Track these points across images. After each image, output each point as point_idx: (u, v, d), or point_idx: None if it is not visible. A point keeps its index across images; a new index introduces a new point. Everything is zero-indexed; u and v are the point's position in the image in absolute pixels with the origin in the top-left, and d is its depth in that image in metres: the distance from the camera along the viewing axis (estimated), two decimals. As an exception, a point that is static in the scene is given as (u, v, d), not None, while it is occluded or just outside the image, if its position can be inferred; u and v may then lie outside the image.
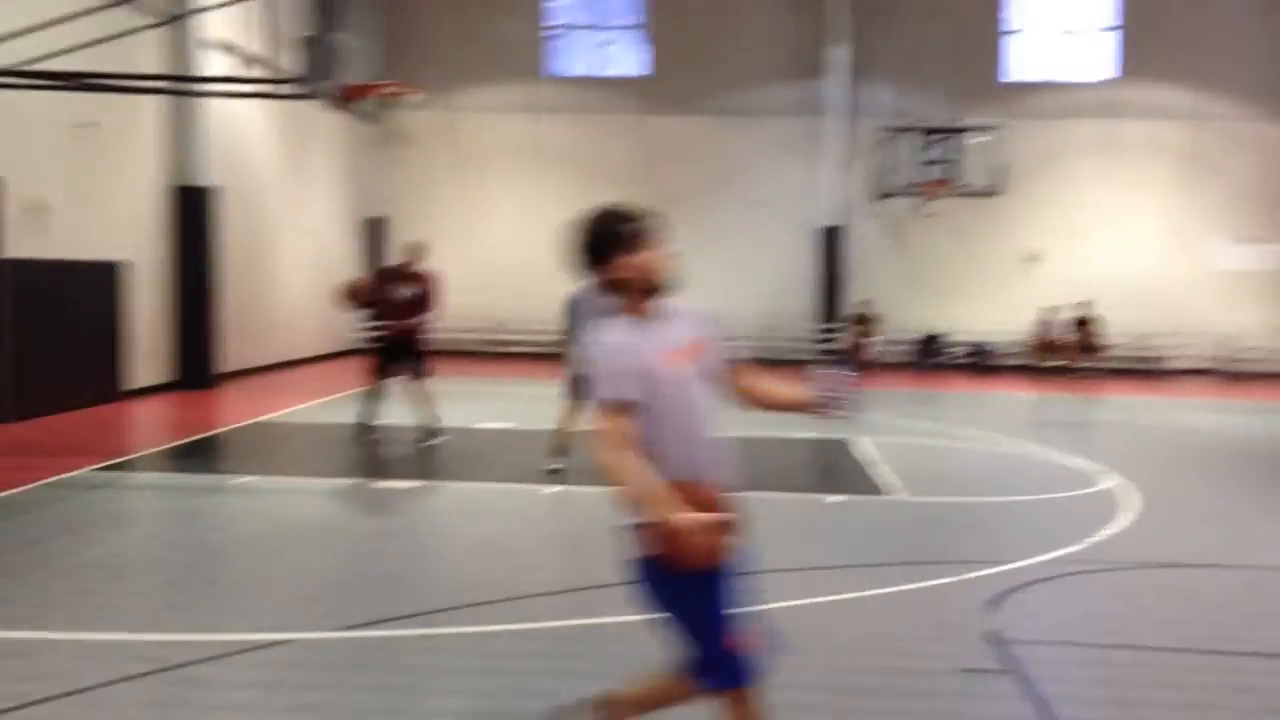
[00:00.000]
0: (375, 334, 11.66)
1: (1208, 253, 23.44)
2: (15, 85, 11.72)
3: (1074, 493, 9.93)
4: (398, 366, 11.50)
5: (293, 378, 18.84)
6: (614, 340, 3.43)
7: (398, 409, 11.86)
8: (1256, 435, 15.47)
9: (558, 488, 9.51)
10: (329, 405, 15.04)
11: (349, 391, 16.97)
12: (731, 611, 3.48)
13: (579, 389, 9.93)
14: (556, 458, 10.14)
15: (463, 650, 5.40)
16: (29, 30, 11.44)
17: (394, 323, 11.43)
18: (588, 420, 9.97)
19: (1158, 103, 23.19)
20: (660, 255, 3.47)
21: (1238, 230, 23.41)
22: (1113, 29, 23.49)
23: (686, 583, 3.42)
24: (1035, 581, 6.95)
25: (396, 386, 11.64)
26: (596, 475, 3.55)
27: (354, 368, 20.57)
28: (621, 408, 3.37)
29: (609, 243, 3.44)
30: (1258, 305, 23.36)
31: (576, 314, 9.92)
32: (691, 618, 3.46)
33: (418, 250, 12.04)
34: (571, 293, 10.06)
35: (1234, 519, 9.36)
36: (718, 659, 3.44)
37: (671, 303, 3.56)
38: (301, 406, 14.84)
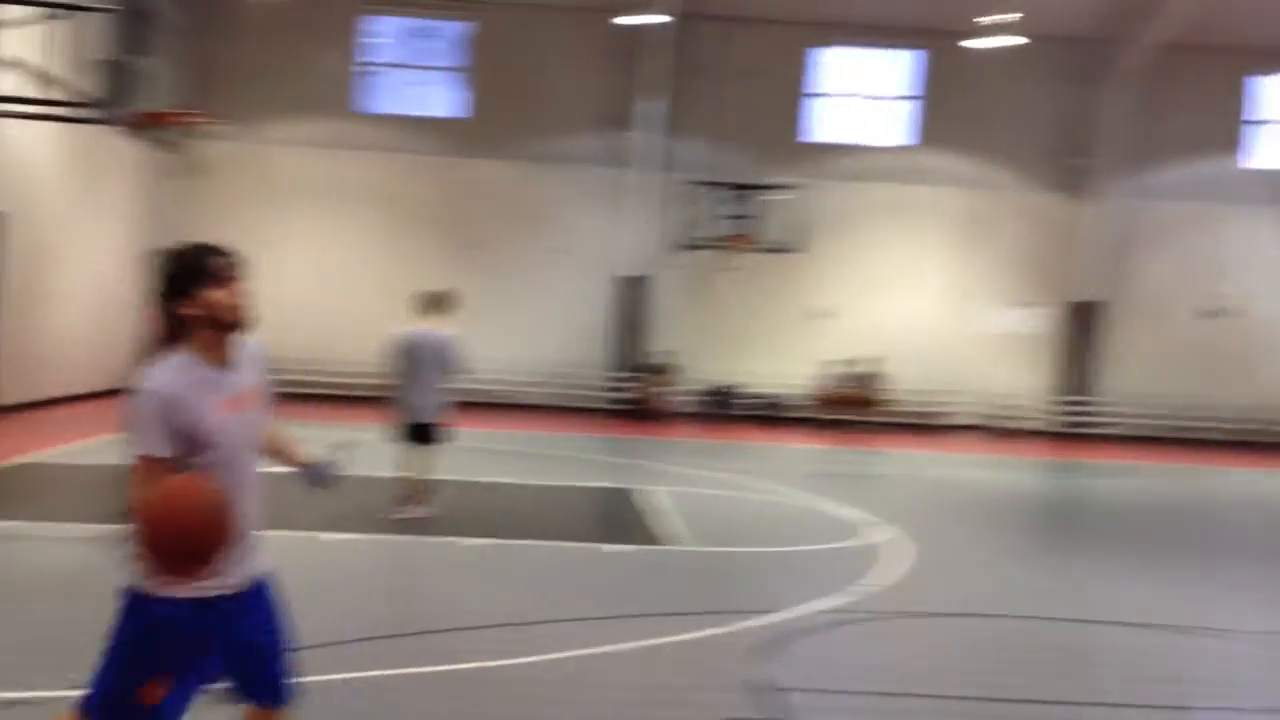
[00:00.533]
0: None
1: (983, 315, 24.78)
2: None
3: (847, 543, 10.28)
4: None
5: (66, 414, 17.87)
6: (158, 389, 3.23)
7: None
8: (1022, 489, 16.40)
9: (326, 533, 9.28)
10: (98, 445, 14.31)
11: (118, 432, 16.21)
12: (165, 660, 3.31)
13: (412, 433, 9.80)
14: (405, 506, 9.90)
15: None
16: None
17: None
18: (430, 464, 9.86)
19: (946, 169, 24.47)
20: (235, 294, 3.34)
21: (1011, 294, 24.85)
22: (911, 98, 24.72)
23: (139, 616, 3.31)
24: (803, 630, 7.16)
25: None
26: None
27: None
28: (153, 464, 3.20)
29: (185, 277, 3.30)
30: (1026, 366, 24.79)
31: (410, 355, 9.74)
32: (114, 651, 3.34)
33: None
34: (405, 333, 9.91)
35: (996, 569, 9.87)
36: (111, 704, 3.30)
37: (242, 343, 3.46)
38: (70, 445, 14.08)
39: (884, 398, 23.44)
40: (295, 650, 3.65)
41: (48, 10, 13.46)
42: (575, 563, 8.94)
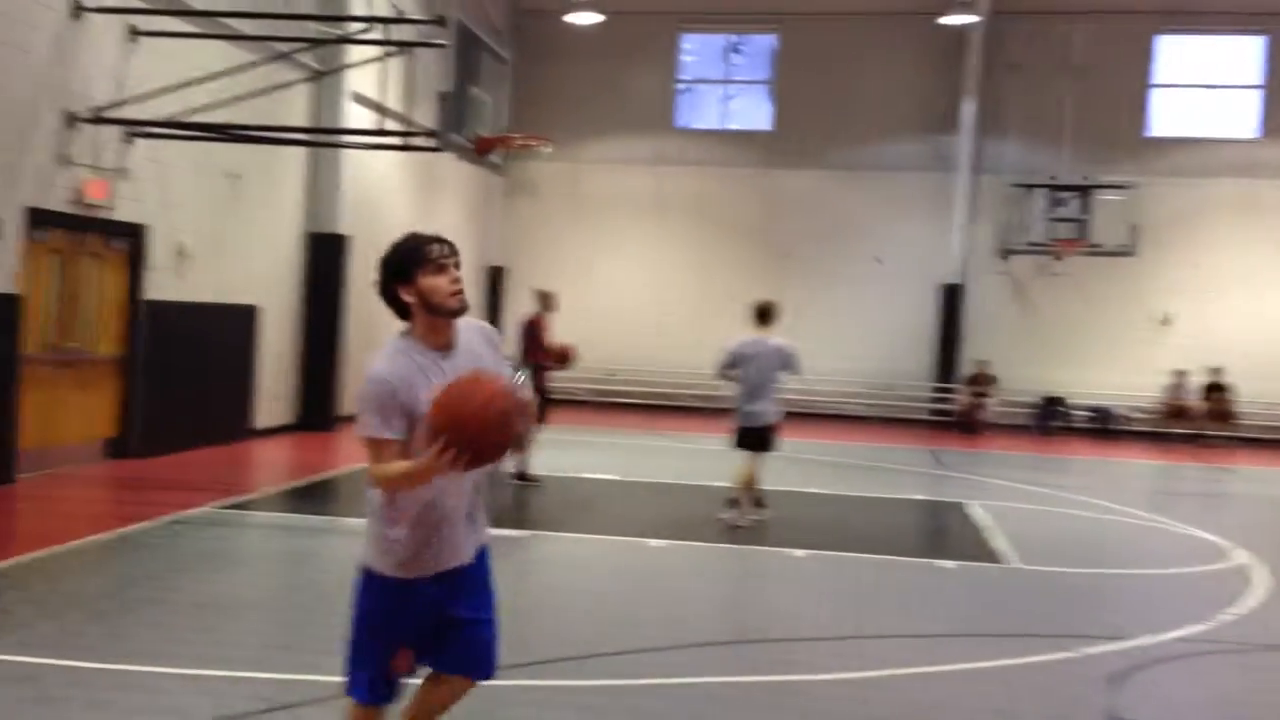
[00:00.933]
0: None
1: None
2: (167, 136, 12.28)
3: (1201, 568, 9.54)
4: None
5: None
6: (381, 373, 3.36)
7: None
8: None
9: (664, 541, 9.47)
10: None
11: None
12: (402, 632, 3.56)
13: (747, 440, 10.06)
14: (739, 510, 10.17)
15: (562, 703, 5.40)
16: (183, 85, 11.98)
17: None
18: (763, 472, 10.18)
19: (1295, 163, 22.40)
20: (451, 280, 3.45)
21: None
22: (1255, 87, 22.79)
23: (375, 592, 3.55)
24: (1159, 660, 6.68)
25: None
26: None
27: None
28: (383, 445, 3.34)
29: (404, 264, 3.45)
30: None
31: (747, 362, 10.03)
32: (364, 629, 3.60)
33: (544, 299, 12.34)
34: (740, 341, 10.19)
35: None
36: (372, 680, 3.60)
37: (463, 326, 3.54)
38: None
39: (1236, 410, 21.65)
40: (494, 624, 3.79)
41: (386, 47, 14.50)
42: (907, 577, 8.73)
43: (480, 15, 19.54)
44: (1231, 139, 22.80)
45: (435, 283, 3.44)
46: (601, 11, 22.22)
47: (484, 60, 13.87)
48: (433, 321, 3.47)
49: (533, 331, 12.07)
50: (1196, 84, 23.05)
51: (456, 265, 3.52)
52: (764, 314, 10.23)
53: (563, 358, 12.00)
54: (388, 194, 18.85)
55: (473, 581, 3.66)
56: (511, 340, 12.04)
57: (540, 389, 11.92)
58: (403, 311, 3.53)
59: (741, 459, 10.25)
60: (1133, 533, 11.35)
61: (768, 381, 10.01)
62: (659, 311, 23.81)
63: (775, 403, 10.13)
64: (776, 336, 10.21)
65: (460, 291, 3.48)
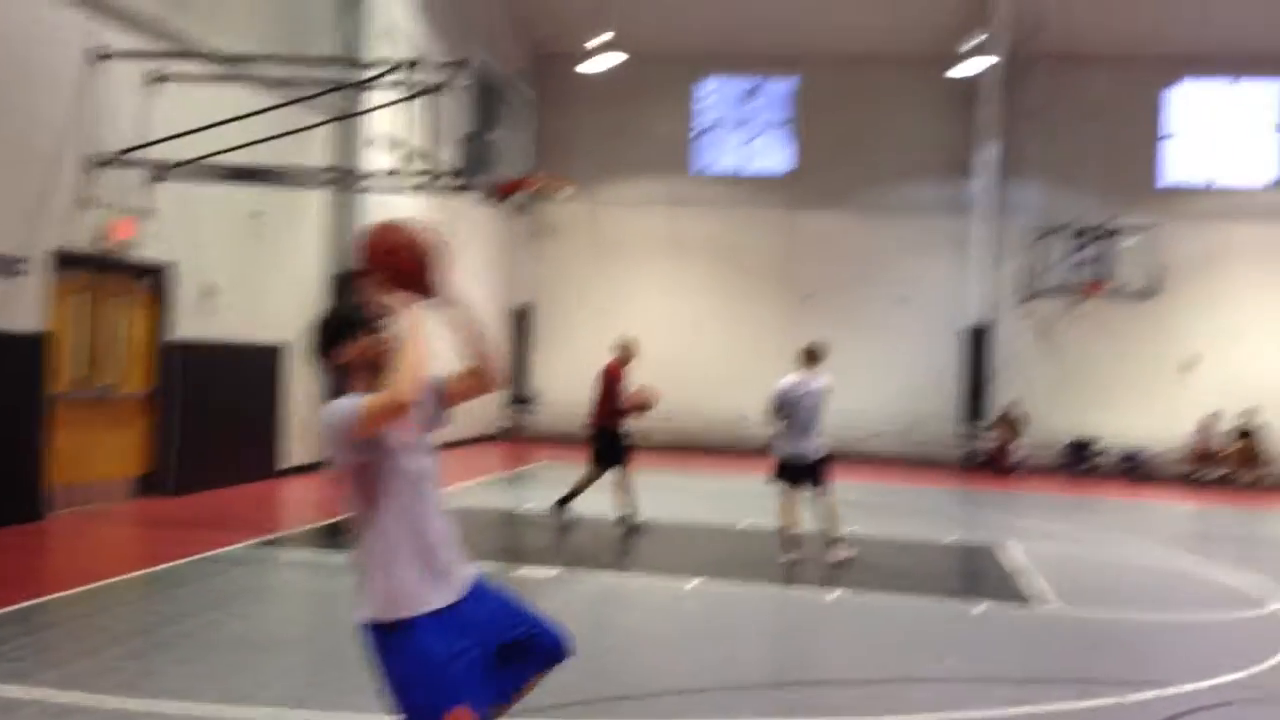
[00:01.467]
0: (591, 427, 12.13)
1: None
2: (193, 178, 12.42)
3: (1240, 614, 9.40)
4: (605, 457, 11.87)
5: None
6: (337, 420, 3.50)
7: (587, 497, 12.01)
8: None
9: (700, 580, 9.42)
10: (474, 488, 15.26)
11: (492, 475, 17.22)
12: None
13: (795, 475, 10.19)
14: (789, 550, 10.33)
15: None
16: (205, 128, 12.12)
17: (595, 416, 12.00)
18: (805, 508, 10.30)
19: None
20: (383, 339, 3.64)
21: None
22: (1277, 130, 22.74)
23: (397, 649, 3.49)
24: (1201, 708, 6.57)
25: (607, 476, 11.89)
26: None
27: (496, 452, 20.89)
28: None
29: (336, 332, 3.71)
30: None
31: (794, 404, 10.29)
32: (403, 690, 3.49)
33: (623, 347, 12.39)
34: (789, 382, 10.38)
35: None
36: None
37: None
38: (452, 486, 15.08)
39: (1268, 452, 21.45)
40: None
41: (410, 91, 14.62)
42: (941, 620, 8.64)
43: (501, 58, 19.72)
44: (1250, 187, 22.75)
45: (368, 343, 3.70)
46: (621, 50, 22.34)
47: (505, 103, 13.97)
48: (372, 376, 3.66)
49: (611, 380, 12.11)
50: (1213, 129, 23.00)
51: (383, 326, 3.70)
52: (812, 355, 10.57)
53: (643, 405, 12.03)
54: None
55: (489, 607, 3.70)
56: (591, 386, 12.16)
57: (619, 435, 11.92)
58: (340, 374, 3.78)
59: (785, 496, 10.43)
60: (1168, 577, 11.20)
61: (814, 420, 10.35)
62: (689, 351, 23.75)
63: (821, 439, 10.45)
64: (822, 376, 10.52)
65: (388, 348, 3.65)
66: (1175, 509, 18.16)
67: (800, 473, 10.38)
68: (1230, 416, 21.68)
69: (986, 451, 22.28)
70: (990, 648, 7.86)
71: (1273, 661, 7.80)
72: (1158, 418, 22.15)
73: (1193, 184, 22.94)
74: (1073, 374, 22.83)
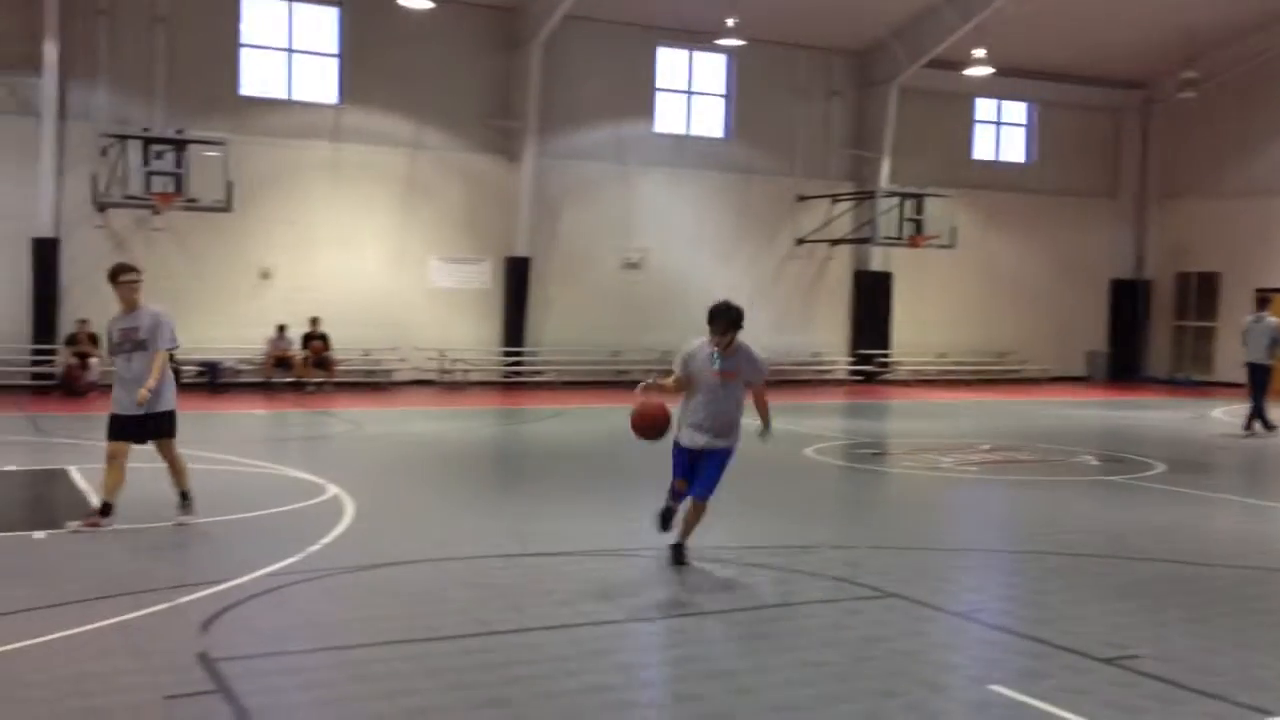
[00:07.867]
0: None
1: (424, 272, 25.33)
2: None
3: (300, 505, 10.23)
4: None
5: None
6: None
7: None
8: (469, 439, 17.11)
9: None
10: None
11: None
12: None
13: None
14: None
15: None
16: None
17: None
18: None
19: (378, 129, 24.55)
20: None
21: (449, 251, 25.58)
22: (334, 55, 24.39)
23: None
24: (251, 596, 7.06)
25: None
26: None
27: None
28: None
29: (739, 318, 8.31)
30: (468, 320, 25.69)
31: None
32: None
33: None
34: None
35: (443, 517, 10.29)
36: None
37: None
38: None
39: (333, 358, 23.33)
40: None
41: None
42: (5, 553, 8.18)
43: None
44: (318, 103, 24.27)
45: None
46: None
47: None
48: None
49: None
50: (285, 48, 24.09)
51: None
52: None
53: None
54: None
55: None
56: None
57: None
58: None
59: None
60: (240, 480, 11.74)
61: None
62: None
63: None
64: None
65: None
66: (253, 416, 18.99)
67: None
68: (301, 325, 23.16)
69: (59, 373, 21.22)
70: (48, 573, 7.61)
71: (326, 541, 8.66)
72: (235, 328, 22.88)
73: (265, 97, 23.73)
74: (152, 286, 22.46)
